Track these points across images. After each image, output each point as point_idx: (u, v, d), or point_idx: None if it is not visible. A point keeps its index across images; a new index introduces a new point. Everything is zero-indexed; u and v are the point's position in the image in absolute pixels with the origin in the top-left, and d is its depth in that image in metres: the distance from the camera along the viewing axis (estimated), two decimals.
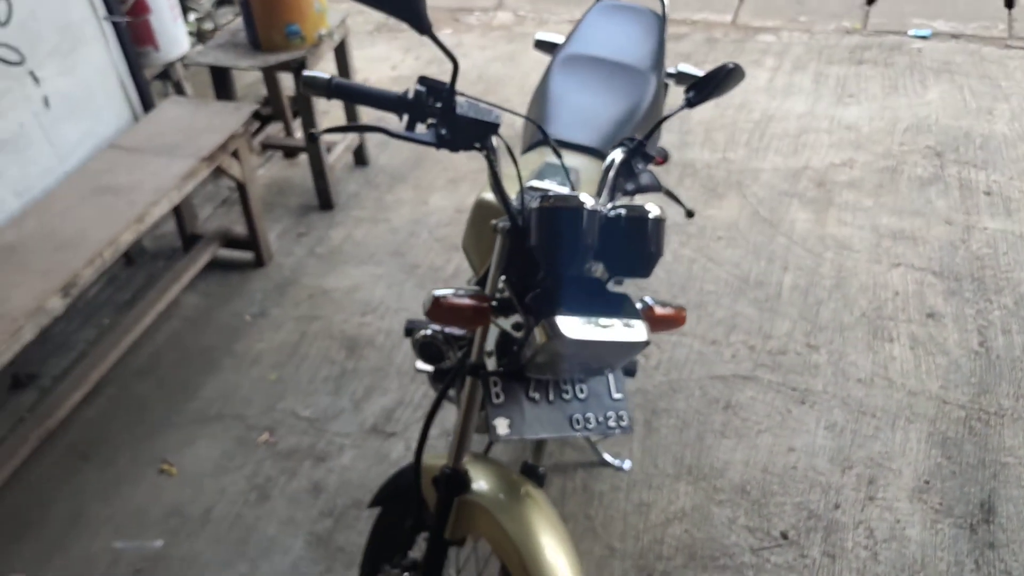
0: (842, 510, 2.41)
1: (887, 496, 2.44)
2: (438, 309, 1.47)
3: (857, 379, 2.81)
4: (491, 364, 1.57)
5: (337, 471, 2.61)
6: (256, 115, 3.36)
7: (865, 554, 2.30)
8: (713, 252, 3.39)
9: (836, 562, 2.29)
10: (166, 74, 4.13)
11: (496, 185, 1.54)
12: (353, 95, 1.54)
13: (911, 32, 5.12)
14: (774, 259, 3.34)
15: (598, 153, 2.15)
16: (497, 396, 1.53)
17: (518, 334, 1.52)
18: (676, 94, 2.22)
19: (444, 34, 5.39)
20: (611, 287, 1.61)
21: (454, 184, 3.93)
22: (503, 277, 1.58)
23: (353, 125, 1.50)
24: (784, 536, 2.36)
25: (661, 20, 2.77)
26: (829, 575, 2.26)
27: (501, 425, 1.51)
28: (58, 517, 2.53)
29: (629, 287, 1.70)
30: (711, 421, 2.70)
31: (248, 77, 4.76)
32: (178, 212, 3.46)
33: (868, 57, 4.85)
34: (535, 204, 1.47)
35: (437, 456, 1.69)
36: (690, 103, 1.76)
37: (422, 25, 1.41)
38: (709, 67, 1.77)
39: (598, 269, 1.59)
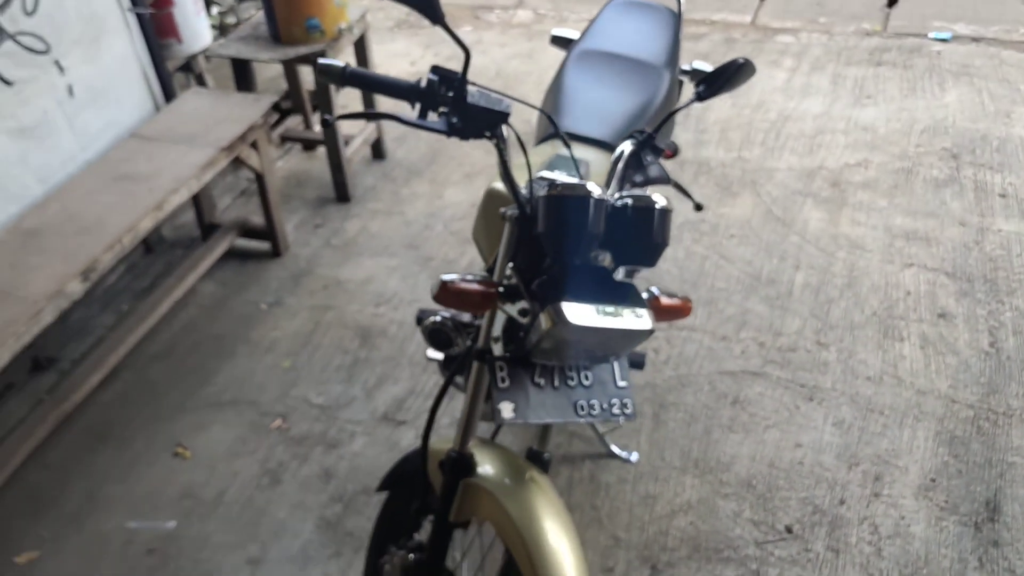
0: (847, 506, 2.43)
1: (893, 493, 2.45)
2: (445, 293, 1.50)
3: (866, 377, 2.82)
4: (497, 350, 1.60)
5: (348, 457, 2.65)
6: (276, 108, 3.41)
7: (869, 549, 2.31)
8: (725, 250, 3.41)
9: (840, 557, 2.30)
10: (188, 67, 4.18)
11: (505, 173, 1.57)
12: (367, 83, 1.57)
13: (931, 35, 5.10)
14: (786, 257, 3.35)
15: (610, 147, 2.18)
16: (503, 381, 1.56)
17: (524, 320, 1.55)
18: (690, 91, 2.24)
19: (464, 31, 5.43)
20: (621, 278, 1.63)
21: (469, 179, 3.97)
22: (511, 264, 1.61)
23: (365, 112, 1.52)
24: (789, 530, 2.37)
25: (676, 17, 2.79)
26: (832, 569, 2.27)
27: (506, 409, 1.54)
28: (74, 496, 2.58)
29: (638, 281, 1.73)
30: (719, 416, 2.71)
31: (269, 71, 4.81)
32: (197, 202, 3.51)
33: (887, 59, 4.84)
34: (543, 192, 1.50)
35: (444, 441, 1.72)
36: (700, 97, 1.78)
37: (435, 15, 1.44)
38: None
39: (606, 258, 1.61)
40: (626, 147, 1.78)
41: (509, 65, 4.99)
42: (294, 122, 4.19)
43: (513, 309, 1.56)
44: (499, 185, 1.97)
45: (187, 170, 2.93)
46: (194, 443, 2.73)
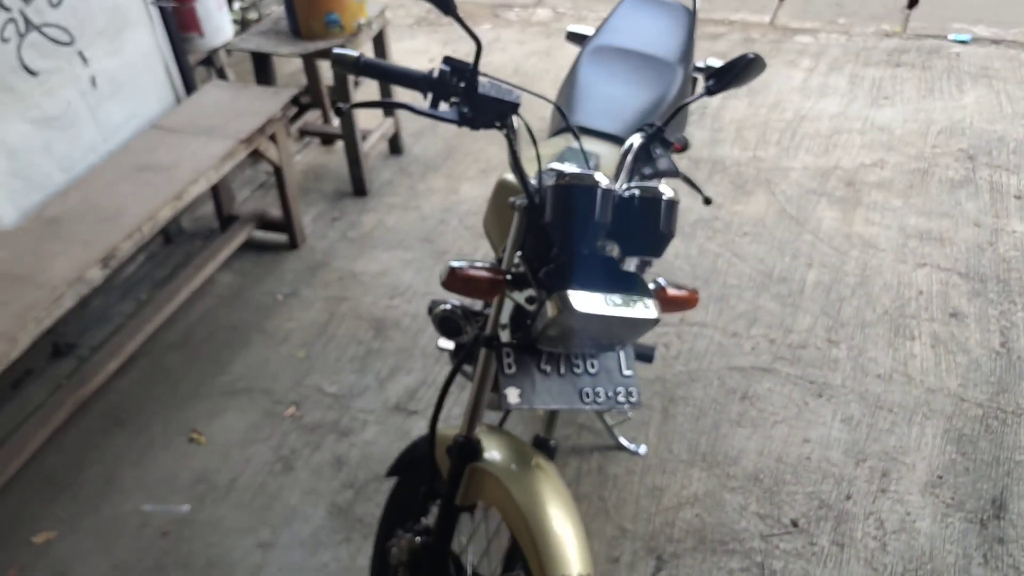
0: (853, 501, 2.44)
1: (899, 489, 2.46)
2: (454, 279, 1.53)
3: (876, 375, 2.82)
4: (505, 337, 1.63)
5: (359, 446, 2.68)
6: (295, 102, 3.45)
7: (874, 544, 2.33)
8: (738, 247, 3.42)
9: (844, 551, 2.31)
10: (210, 61, 4.24)
11: (515, 163, 1.60)
12: (380, 72, 1.61)
13: (951, 36, 5.09)
14: (799, 256, 3.36)
15: (621, 141, 2.20)
16: (509, 367, 1.58)
17: (531, 307, 1.57)
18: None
19: (483, 29, 5.46)
20: (631, 270, 1.65)
21: (485, 175, 4.00)
22: (519, 253, 1.63)
23: (378, 101, 1.56)
24: (794, 524, 2.39)
25: (691, 14, 2.81)
26: (837, 563, 2.29)
27: (512, 394, 1.56)
28: (91, 479, 2.63)
29: (649, 276, 1.75)
30: (728, 410, 2.73)
31: (289, 67, 4.86)
32: (216, 194, 3.56)
33: (906, 60, 4.84)
34: (551, 182, 1.53)
35: (451, 427, 1.75)
36: (710, 91, 1.80)
37: (447, 6, 1.47)
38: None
39: (614, 249, 1.63)
40: (635, 139, 1.81)
41: (527, 63, 5.02)
42: (313, 117, 4.23)
43: (521, 297, 1.59)
44: (510, 176, 2.00)
45: (206, 161, 2.97)
46: (209, 429, 2.77)
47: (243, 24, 4.65)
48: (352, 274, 3.42)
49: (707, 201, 2.00)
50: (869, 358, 2.89)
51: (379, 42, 3.90)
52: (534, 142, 1.65)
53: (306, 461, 2.65)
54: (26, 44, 2.75)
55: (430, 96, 1.58)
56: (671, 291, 1.74)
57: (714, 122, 4.29)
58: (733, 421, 2.70)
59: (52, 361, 3.04)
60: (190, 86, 3.47)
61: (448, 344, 2.20)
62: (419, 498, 1.92)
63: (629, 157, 1.79)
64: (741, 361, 2.90)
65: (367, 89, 4.57)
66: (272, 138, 3.28)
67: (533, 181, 1.61)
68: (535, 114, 2.62)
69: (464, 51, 5.11)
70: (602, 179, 1.51)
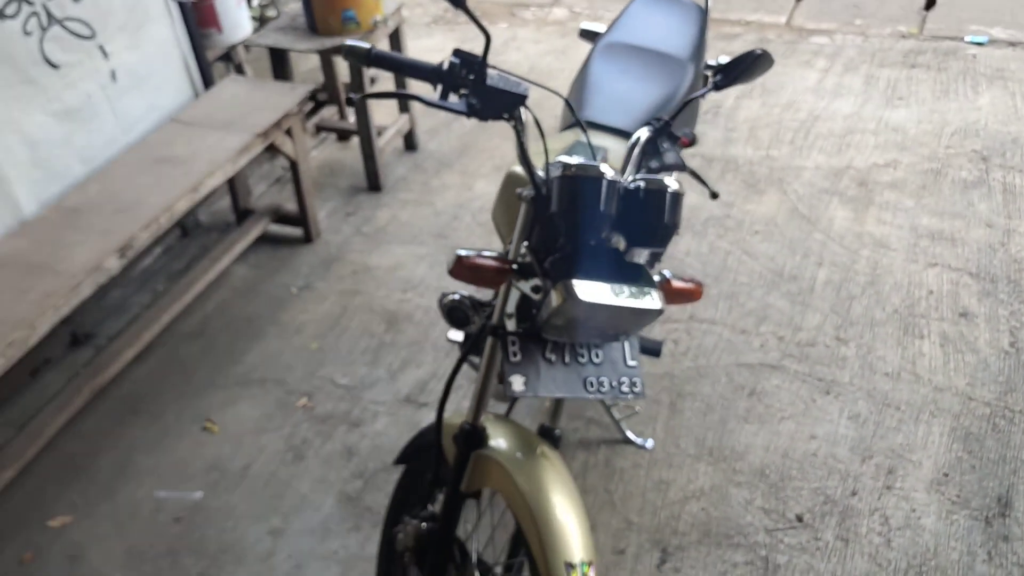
0: (859, 497, 2.45)
1: (905, 486, 2.47)
2: (460, 267, 1.56)
3: (884, 373, 2.83)
4: (511, 326, 1.66)
5: (370, 436, 2.72)
6: (312, 98, 3.50)
7: (878, 540, 2.34)
8: (749, 246, 3.43)
9: (849, 546, 2.33)
10: (228, 56, 4.28)
11: (522, 154, 1.62)
12: (391, 64, 1.63)
13: (967, 38, 5.08)
14: (809, 254, 3.37)
15: (630, 136, 2.21)
16: (514, 355, 1.61)
17: (537, 296, 1.60)
18: None
19: (499, 27, 5.49)
20: (640, 263, 1.67)
21: (499, 171, 4.02)
22: (525, 243, 1.66)
23: (389, 92, 1.59)
24: (799, 519, 2.40)
25: (703, 12, 2.83)
26: (841, 558, 2.30)
27: (517, 382, 1.59)
28: (106, 466, 2.68)
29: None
30: (735, 406, 2.75)
31: (306, 64, 4.91)
32: (232, 188, 3.61)
33: (921, 61, 4.83)
34: (558, 173, 1.55)
35: (458, 415, 1.78)
36: (717, 86, 1.82)
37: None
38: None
39: (620, 241, 1.66)
40: (643, 133, 1.83)
41: (542, 61, 5.05)
42: (329, 112, 4.28)
43: (527, 286, 1.61)
44: (518, 168, 2.03)
45: (223, 154, 3.02)
46: (222, 418, 2.81)
47: (261, 20, 4.70)
48: (366, 268, 3.46)
49: (714, 195, 2.03)
50: (877, 356, 2.90)
51: (395, 39, 3.93)
52: (542, 135, 1.67)
53: (317, 451, 2.69)
54: (48, 38, 2.80)
55: (440, 87, 1.60)
56: (676, 283, 1.76)
57: (728, 121, 4.30)
58: (740, 417, 2.71)
59: (70, 350, 3.09)
60: (208, 80, 3.52)
61: (458, 336, 2.23)
62: (426, 485, 1.95)
63: (636, 150, 1.82)
64: (749, 358, 2.92)
65: (383, 86, 4.60)
66: (288, 133, 3.33)
67: (541, 173, 1.63)
68: (548, 112, 2.65)
69: (479, 48, 5.14)
70: (608, 171, 1.54)
